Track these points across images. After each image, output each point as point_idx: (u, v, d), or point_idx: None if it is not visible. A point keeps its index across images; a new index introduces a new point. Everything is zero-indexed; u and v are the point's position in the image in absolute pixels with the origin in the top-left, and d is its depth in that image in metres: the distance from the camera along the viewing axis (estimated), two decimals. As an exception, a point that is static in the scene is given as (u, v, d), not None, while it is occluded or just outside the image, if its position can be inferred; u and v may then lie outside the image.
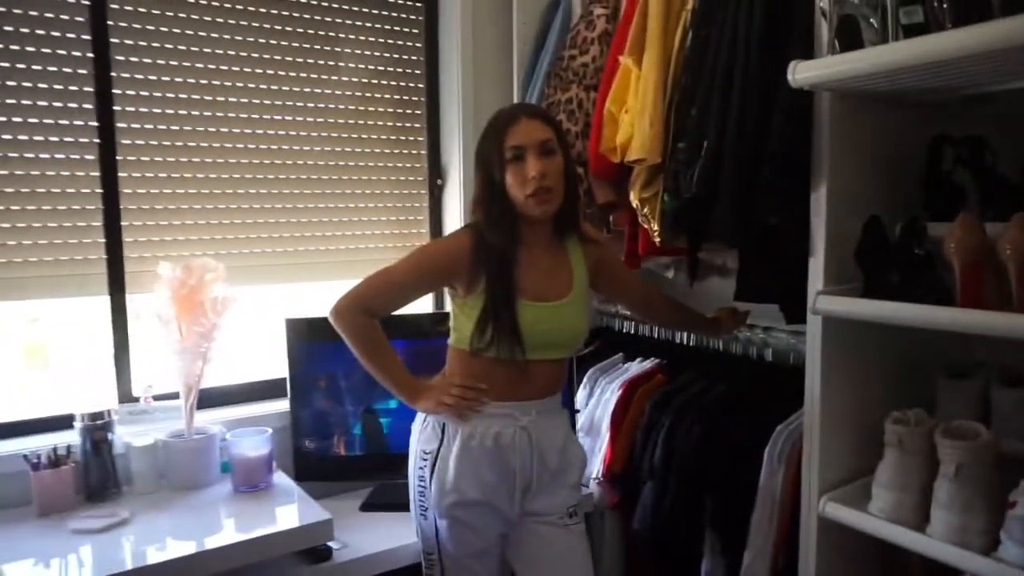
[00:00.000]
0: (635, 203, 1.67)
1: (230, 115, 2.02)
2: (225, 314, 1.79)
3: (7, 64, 1.74)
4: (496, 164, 1.43)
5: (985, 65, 1.10)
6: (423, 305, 2.39)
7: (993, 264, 1.09)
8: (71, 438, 1.71)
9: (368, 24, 2.23)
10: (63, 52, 1.80)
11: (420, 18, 2.31)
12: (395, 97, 2.29)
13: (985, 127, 1.35)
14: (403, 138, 2.31)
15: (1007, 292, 1.07)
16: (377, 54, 2.25)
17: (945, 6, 1.05)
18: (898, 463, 1.25)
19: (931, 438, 1.21)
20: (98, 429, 1.70)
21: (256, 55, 2.05)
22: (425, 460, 1.50)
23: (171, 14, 1.93)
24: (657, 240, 1.65)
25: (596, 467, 1.91)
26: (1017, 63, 1.09)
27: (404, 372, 1.52)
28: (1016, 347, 1.20)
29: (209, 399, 1.94)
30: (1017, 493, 1.10)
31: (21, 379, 2.02)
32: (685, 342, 1.94)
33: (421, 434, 1.53)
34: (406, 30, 2.30)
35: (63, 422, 1.77)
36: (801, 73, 1.20)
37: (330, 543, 1.66)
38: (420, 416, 1.55)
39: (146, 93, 1.91)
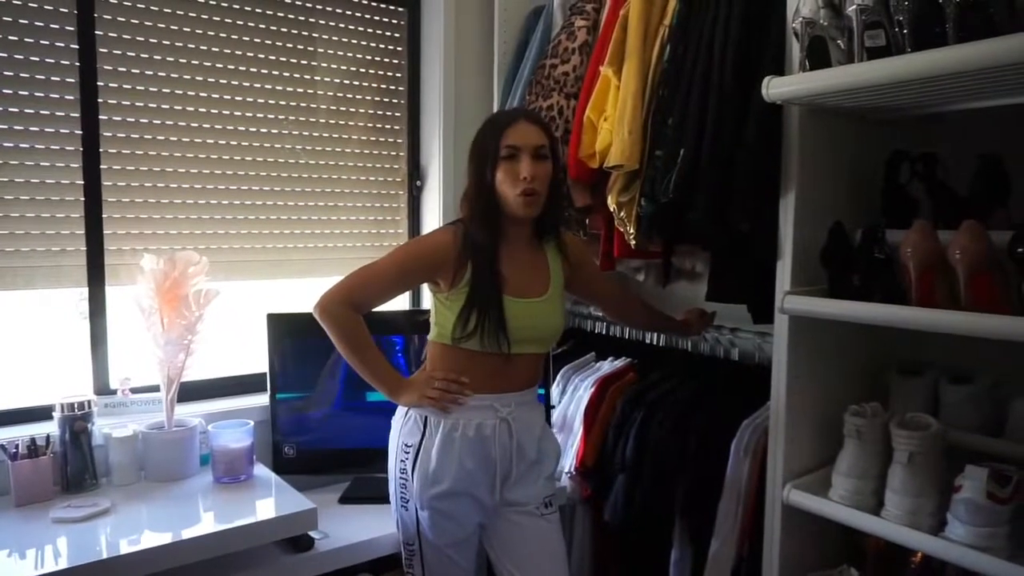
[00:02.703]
0: (612, 207, 1.74)
1: (212, 111, 2.04)
2: (208, 307, 1.81)
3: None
4: (490, 160, 1.48)
5: (938, 87, 1.20)
6: (401, 302, 2.43)
7: (945, 268, 1.19)
8: (49, 429, 1.71)
9: (351, 27, 2.27)
10: (47, 43, 1.80)
11: (402, 22, 2.37)
12: (376, 99, 2.34)
13: (937, 144, 1.46)
14: (383, 139, 2.36)
15: (957, 293, 1.17)
16: (359, 56, 2.29)
17: (905, 32, 1.15)
18: (856, 452, 1.35)
19: (886, 429, 1.31)
20: (78, 419, 1.70)
21: (241, 53, 2.07)
22: (407, 453, 1.53)
23: (156, 9, 1.94)
24: (632, 243, 1.72)
25: (569, 461, 1.98)
26: (966, 86, 1.20)
27: (387, 367, 1.56)
28: (963, 347, 1.31)
29: (186, 393, 1.94)
30: (962, 478, 1.19)
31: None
32: (655, 342, 2.03)
33: (403, 427, 1.56)
34: (388, 33, 2.34)
35: (42, 413, 1.77)
36: (774, 88, 1.29)
37: (312, 532, 1.69)
38: (401, 410, 1.59)
39: (129, 86, 1.92)
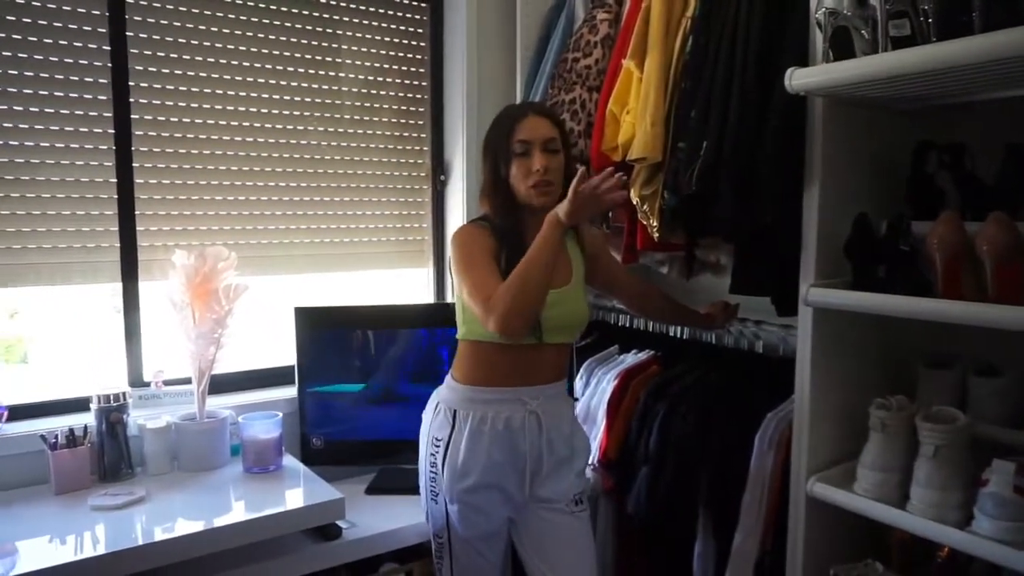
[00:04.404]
0: (635, 200, 1.74)
1: (240, 109, 2.08)
2: (237, 301, 1.85)
3: (24, 54, 1.78)
4: (503, 156, 1.51)
5: (964, 76, 1.18)
6: (423, 295, 2.46)
7: (971, 259, 1.17)
8: (86, 420, 1.76)
9: (375, 23, 2.29)
10: (80, 44, 1.85)
11: (425, 17, 2.38)
12: (400, 94, 2.36)
13: (963, 135, 1.44)
14: (407, 134, 2.38)
15: (984, 285, 1.16)
16: (383, 52, 2.31)
17: (930, 21, 1.13)
18: (881, 445, 1.34)
19: (912, 422, 1.30)
20: (114, 411, 1.75)
21: (268, 51, 2.11)
22: (437, 447, 1.55)
23: (185, 9, 1.98)
24: (655, 236, 1.72)
25: (592, 454, 1.98)
26: (993, 76, 1.18)
27: (531, 249, 1.45)
28: (990, 339, 1.29)
29: (217, 385, 1.98)
30: (989, 472, 1.18)
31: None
32: (679, 335, 2.02)
33: (433, 421, 1.58)
34: (411, 29, 2.36)
35: (79, 404, 1.82)
36: (797, 79, 1.29)
37: (339, 522, 1.73)
38: (431, 404, 1.61)
39: (159, 86, 1.96)
